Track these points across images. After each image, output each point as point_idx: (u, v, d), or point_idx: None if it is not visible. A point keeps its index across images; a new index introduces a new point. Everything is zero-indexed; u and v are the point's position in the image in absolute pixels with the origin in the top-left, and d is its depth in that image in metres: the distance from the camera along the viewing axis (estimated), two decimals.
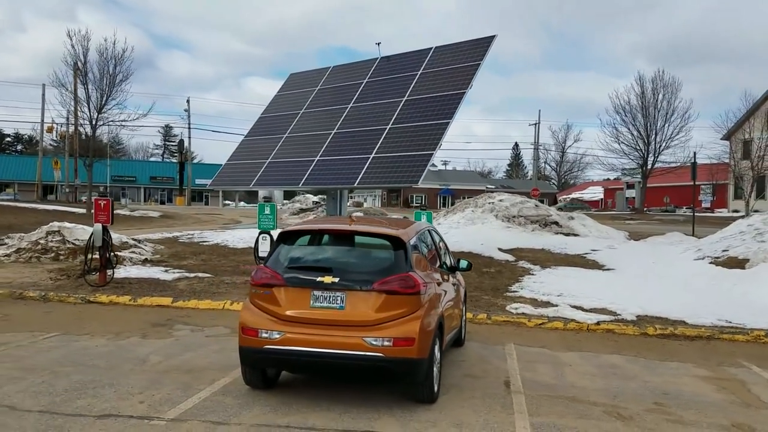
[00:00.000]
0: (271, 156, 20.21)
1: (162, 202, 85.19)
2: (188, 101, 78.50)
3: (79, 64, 34.28)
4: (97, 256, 12.31)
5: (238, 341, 6.29)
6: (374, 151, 17.43)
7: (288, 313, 6.09)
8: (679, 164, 54.63)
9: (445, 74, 18.20)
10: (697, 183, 31.85)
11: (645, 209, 59.04)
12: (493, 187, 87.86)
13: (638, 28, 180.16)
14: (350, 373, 6.15)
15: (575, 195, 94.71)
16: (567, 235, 22.11)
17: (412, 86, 18.68)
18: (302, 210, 37.89)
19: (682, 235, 23.38)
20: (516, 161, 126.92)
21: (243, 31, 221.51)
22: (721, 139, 56.45)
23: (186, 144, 79.79)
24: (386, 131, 17.79)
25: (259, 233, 11.90)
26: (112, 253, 12.49)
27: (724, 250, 16.42)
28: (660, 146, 53.67)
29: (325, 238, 6.83)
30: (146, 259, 15.58)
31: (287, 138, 20.51)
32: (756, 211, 50.16)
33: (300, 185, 18.54)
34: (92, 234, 12.22)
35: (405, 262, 6.20)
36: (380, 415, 5.91)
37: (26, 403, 6.00)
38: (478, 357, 8.38)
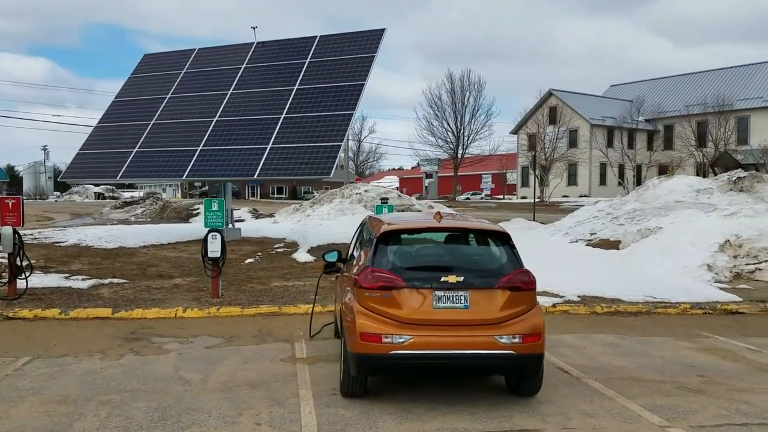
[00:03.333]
0: (139, 145, 18.45)
1: None
2: None
3: None
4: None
5: (352, 348, 5.86)
6: (271, 142, 16.73)
7: (411, 315, 5.80)
8: (487, 155, 59.16)
9: (338, 64, 17.96)
10: (488, 173, 35.02)
11: (456, 197, 63.17)
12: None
13: (415, 26, 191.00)
14: (478, 373, 6.04)
15: (374, 184, 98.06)
16: None
17: (302, 75, 18.18)
18: (126, 203, 34.85)
19: (526, 220, 25.51)
20: None
21: None
22: (510, 133, 62.36)
23: None
24: (281, 120, 17.15)
25: (208, 232, 10.87)
26: (23, 261, 10.66)
27: (592, 233, 18.31)
28: (468, 139, 57.72)
29: (428, 236, 6.56)
30: (29, 264, 13.38)
31: (156, 125, 18.85)
32: (535, 197, 56.06)
33: (184, 177, 17.19)
34: None
35: (516, 258, 6.20)
36: (509, 413, 5.88)
37: None
38: None
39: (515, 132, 63.50)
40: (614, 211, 19.82)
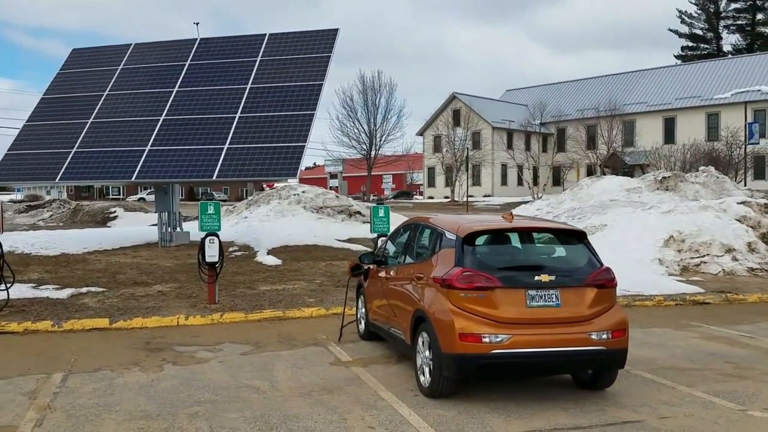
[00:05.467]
0: (77, 144, 17.33)
1: None
2: None
3: None
4: None
5: (449, 349, 5.87)
6: (228, 142, 16.23)
7: (507, 315, 5.91)
8: (400, 154, 59.77)
9: (292, 63, 17.68)
10: (389, 174, 35.74)
11: (372, 197, 63.38)
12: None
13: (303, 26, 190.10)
14: (570, 369, 6.24)
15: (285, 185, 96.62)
16: None
17: (254, 73, 17.74)
18: (31, 207, 32.35)
19: None
20: None
21: None
22: (417, 134, 63.53)
23: None
24: (236, 120, 16.68)
25: (206, 236, 10.41)
26: (2, 270, 9.81)
27: None
28: (381, 140, 58.13)
29: (507, 236, 6.63)
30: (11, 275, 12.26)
31: (95, 124, 17.78)
32: (445, 197, 57.48)
33: (133, 178, 16.32)
34: None
35: (595, 255, 6.44)
36: (598, 407, 6.07)
37: None
38: None
39: (421, 133, 64.78)
40: (553, 209, 20.75)
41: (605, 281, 6.20)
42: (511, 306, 5.93)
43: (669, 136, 59.95)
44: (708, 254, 15.87)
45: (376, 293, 8.11)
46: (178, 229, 18.13)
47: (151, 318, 9.73)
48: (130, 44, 20.08)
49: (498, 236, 6.58)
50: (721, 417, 5.79)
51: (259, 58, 18.20)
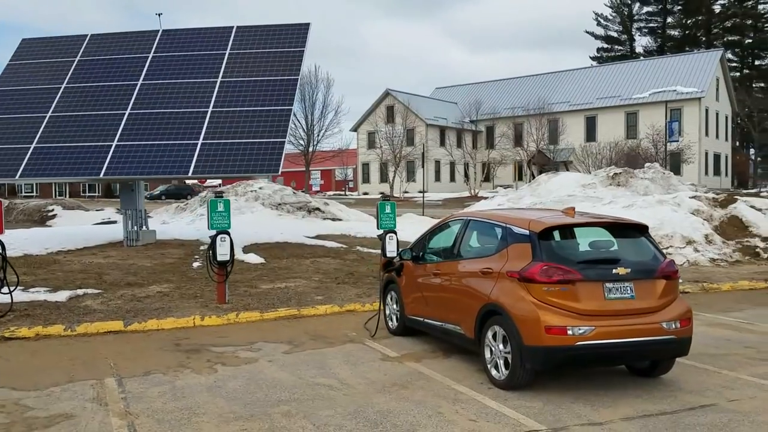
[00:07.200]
0: (36, 140, 16.40)
1: None
2: None
3: None
4: None
5: (535, 342, 5.99)
6: (201, 137, 15.78)
7: (588, 307, 6.09)
8: (338, 150, 59.40)
9: (264, 57, 17.34)
10: (316, 169, 35.84)
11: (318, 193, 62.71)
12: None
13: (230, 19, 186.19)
14: (645, 358, 6.50)
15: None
16: (334, 220, 23.02)
17: (224, 67, 17.30)
18: None
19: (416, 215, 26.37)
20: None
21: None
22: (350, 130, 63.50)
23: None
24: (209, 115, 16.24)
25: (216, 234, 10.08)
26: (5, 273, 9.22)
27: None
28: (319, 135, 57.65)
29: (577, 231, 6.78)
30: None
31: (54, 118, 16.87)
32: (381, 193, 57.87)
33: (101, 175, 15.60)
34: None
35: (658, 248, 6.74)
36: (669, 392, 6.35)
37: None
38: None
39: (355, 129, 64.83)
40: (514, 204, 21.28)
41: (671, 273, 6.50)
42: (592, 299, 6.13)
43: (591, 134, 62.45)
44: (671, 246, 16.73)
45: (418, 288, 8.15)
46: (144, 228, 17.49)
47: (166, 320, 9.39)
48: (86, 35, 19.16)
49: (569, 231, 6.75)
50: None
51: (228, 52, 17.76)
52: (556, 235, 6.56)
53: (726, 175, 65.55)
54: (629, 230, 6.86)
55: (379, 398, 6.07)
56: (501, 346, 6.42)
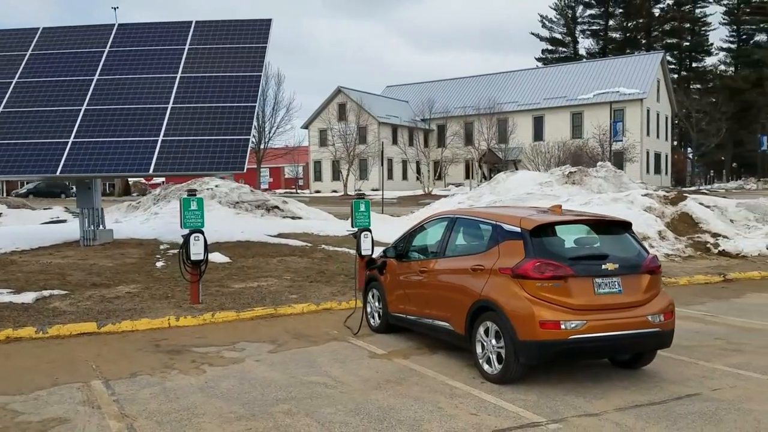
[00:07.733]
0: None
1: None
2: None
3: None
4: None
5: (529, 336, 6.11)
6: (162, 134, 15.45)
7: (579, 302, 6.24)
8: (292, 147, 58.79)
9: (225, 53, 17.06)
10: (265, 167, 35.73)
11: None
12: None
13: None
14: (632, 350, 6.69)
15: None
16: (294, 218, 22.81)
17: (183, 62, 16.96)
18: None
19: (377, 213, 26.40)
20: None
21: None
22: (302, 128, 63.08)
23: None
24: (169, 111, 15.90)
25: (190, 233, 9.88)
26: None
27: None
28: (271, 133, 56.96)
29: (567, 228, 6.90)
30: None
31: (6, 113, 16.20)
32: (333, 191, 57.81)
33: (58, 172, 15.09)
34: None
35: (641, 244, 6.95)
36: (654, 383, 6.56)
37: None
38: None
39: (306, 126, 64.43)
40: (475, 202, 21.55)
41: (655, 268, 6.71)
42: (582, 294, 6.28)
43: (539, 133, 63.71)
44: None
45: (402, 286, 8.19)
46: (101, 227, 17.02)
47: (140, 320, 9.18)
48: (37, 28, 18.48)
49: (559, 228, 6.89)
50: (761, 386, 6.48)
51: (187, 47, 17.42)
52: (547, 232, 6.69)
53: (666, 173, 67.83)
54: (614, 227, 7.06)
55: (377, 395, 6.08)
56: (493, 342, 6.51)
